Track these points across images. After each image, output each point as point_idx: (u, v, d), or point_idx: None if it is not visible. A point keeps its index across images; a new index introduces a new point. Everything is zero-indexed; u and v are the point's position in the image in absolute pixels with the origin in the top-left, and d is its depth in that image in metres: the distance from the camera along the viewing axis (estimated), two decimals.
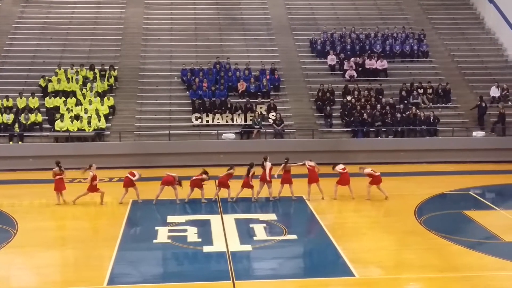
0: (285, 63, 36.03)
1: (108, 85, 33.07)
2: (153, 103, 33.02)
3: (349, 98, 32.67)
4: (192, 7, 40.05)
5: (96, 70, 33.53)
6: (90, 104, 31.35)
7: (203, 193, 22.59)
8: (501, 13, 38.06)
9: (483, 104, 32.41)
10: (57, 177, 22.48)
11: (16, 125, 30.11)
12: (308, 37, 37.63)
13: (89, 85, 32.58)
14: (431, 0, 41.73)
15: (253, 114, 31.48)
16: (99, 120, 30.46)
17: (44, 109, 31.52)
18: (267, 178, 22.69)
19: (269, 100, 32.54)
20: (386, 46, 36.62)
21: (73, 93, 32.03)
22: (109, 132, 30.95)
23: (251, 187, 22.82)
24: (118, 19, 38.79)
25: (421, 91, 33.48)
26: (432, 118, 31.63)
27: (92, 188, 22.32)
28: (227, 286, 15.24)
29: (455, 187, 25.51)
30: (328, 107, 32.16)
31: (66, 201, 22.56)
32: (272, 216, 21.22)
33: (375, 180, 23.08)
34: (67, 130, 30.20)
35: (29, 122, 30.36)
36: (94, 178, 22.22)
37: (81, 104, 31.37)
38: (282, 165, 23.00)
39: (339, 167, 23.22)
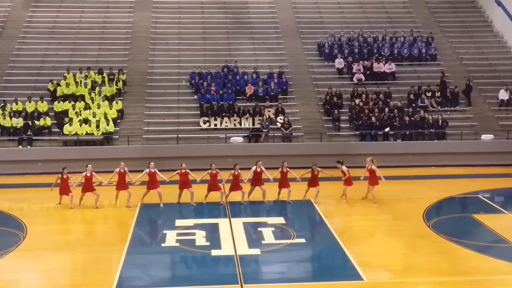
0: (293, 66, 36.03)
1: (116, 89, 33.19)
2: (161, 107, 33.09)
3: (357, 101, 32.64)
4: (200, 11, 40.14)
5: (105, 74, 33.66)
6: (98, 108, 31.46)
7: (192, 196, 22.74)
8: (509, 16, 37.96)
9: (470, 83, 33.42)
10: (59, 180, 22.73)
11: (29, 130, 30.23)
12: (316, 41, 37.62)
13: (97, 89, 32.67)
14: (439, 3, 41.71)
15: (261, 118, 31.49)
16: (108, 124, 30.54)
17: (53, 113, 31.66)
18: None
19: (277, 103, 32.53)
20: (394, 49, 36.57)
21: (81, 97, 32.12)
22: (117, 136, 31.02)
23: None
24: (126, 23, 38.93)
25: (429, 94, 33.40)
26: (440, 121, 31.54)
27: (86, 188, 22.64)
28: None
29: (463, 190, 25.42)
30: (336, 110, 32.13)
31: (75, 205, 22.66)
32: (280, 220, 21.24)
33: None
34: (76, 134, 30.30)
35: (37, 126, 30.47)
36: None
37: (90, 108, 31.45)
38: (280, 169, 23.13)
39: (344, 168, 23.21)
